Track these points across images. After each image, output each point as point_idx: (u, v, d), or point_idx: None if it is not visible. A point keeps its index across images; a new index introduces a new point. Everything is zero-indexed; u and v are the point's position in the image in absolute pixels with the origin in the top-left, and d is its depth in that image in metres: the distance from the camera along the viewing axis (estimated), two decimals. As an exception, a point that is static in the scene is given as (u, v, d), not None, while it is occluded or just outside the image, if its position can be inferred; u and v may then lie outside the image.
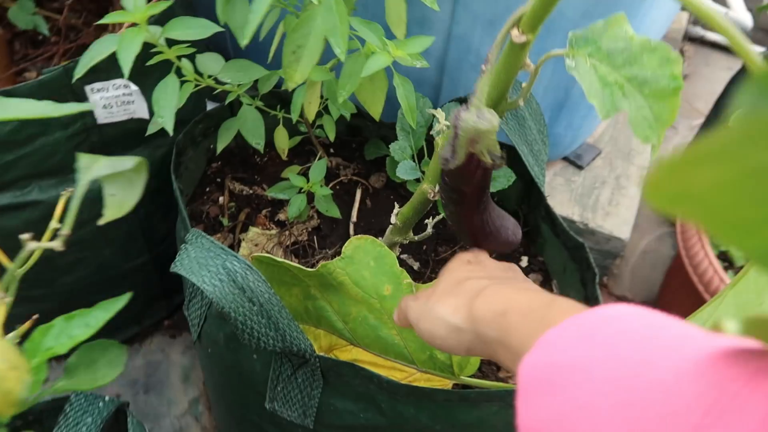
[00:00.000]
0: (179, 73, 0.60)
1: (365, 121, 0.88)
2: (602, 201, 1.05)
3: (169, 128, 0.57)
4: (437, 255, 0.80)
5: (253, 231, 0.76)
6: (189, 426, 0.94)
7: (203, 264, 0.51)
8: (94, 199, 0.86)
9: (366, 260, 0.57)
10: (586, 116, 0.97)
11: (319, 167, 0.74)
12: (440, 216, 0.57)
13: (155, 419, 0.94)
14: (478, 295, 0.38)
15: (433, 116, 0.76)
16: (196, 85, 0.63)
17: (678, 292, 1.01)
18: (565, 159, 1.11)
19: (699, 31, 1.85)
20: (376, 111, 0.62)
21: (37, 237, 0.79)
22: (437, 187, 0.52)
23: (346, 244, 0.57)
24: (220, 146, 0.71)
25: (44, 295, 0.85)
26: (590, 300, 0.66)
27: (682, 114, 1.62)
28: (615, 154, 1.14)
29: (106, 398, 0.62)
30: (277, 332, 0.53)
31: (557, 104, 0.93)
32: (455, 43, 0.86)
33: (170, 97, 0.57)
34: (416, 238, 0.62)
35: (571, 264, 0.73)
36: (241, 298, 0.51)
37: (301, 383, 0.61)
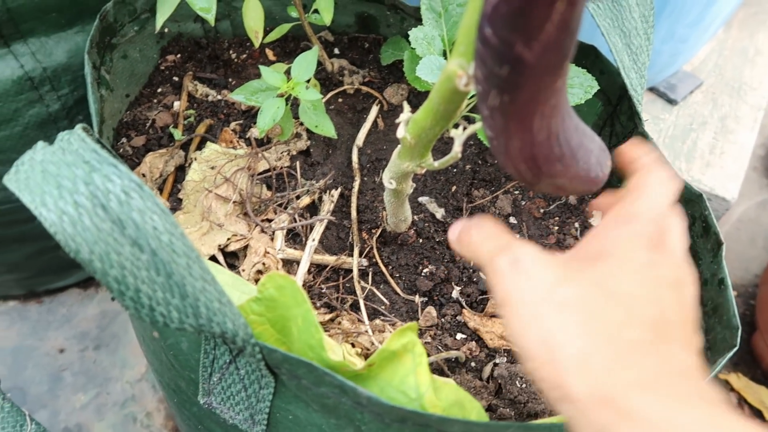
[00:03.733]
0: None
1: (382, 10, 0.63)
2: (701, 147, 0.78)
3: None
4: (471, 200, 0.57)
5: (211, 148, 0.54)
6: (143, 395, 0.75)
7: (52, 174, 0.29)
8: (4, 94, 0.65)
9: (293, 313, 0.36)
10: (697, 23, 0.69)
11: (305, 60, 0.51)
12: (476, 125, 0.34)
13: (103, 383, 0.76)
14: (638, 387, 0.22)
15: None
16: None
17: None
18: (653, 90, 0.84)
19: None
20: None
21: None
22: (473, 65, 0.28)
23: (262, 281, 0.35)
24: (160, 20, 0.48)
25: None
26: (708, 285, 0.42)
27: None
28: (720, 88, 0.86)
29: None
30: (184, 300, 0.31)
31: (657, 3, 0.66)
32: None
33: None
34: (437, 164, 0.39)
35: (672, 225, 0.48)
36: (116, 238, 0.29)
37: (246, 376, 0.40)
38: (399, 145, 0.40)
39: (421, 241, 0.53)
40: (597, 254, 0.26)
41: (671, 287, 0.25)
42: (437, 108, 0.34)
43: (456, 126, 0.39)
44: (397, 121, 0.37)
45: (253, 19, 0.52)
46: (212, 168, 0.53)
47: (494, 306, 0.49)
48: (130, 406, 0.74)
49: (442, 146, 0.59)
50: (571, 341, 0.23)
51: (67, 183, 0.29)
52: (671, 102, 0.82)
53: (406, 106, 0.37)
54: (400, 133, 0.38)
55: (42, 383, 0.75)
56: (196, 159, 0.53)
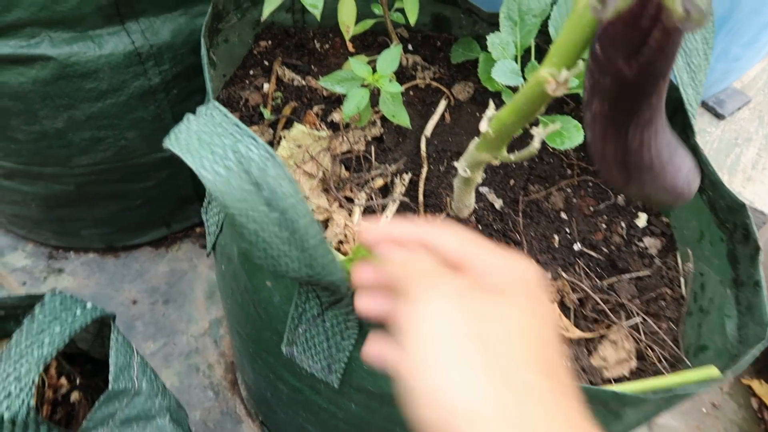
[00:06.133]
0: None
1: (457, 12, 0.68)
2: (744, 162, 0.82)
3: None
4: (527, 194, 0.62)
5: (299, 129, 0.60)
6: (206, 348, 0.82)
7: (206, 142, 0.36)
8: (116, 66, 0.72)
9: None
10: (752, 43, 0.73)
11: (390, 56, 0.57)
12: (552, 127, 0.39)
13: (170, 334, 0.83)
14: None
15: (552, 3, 0.56)
16: None
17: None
18: (702, 104, 0.88)
19: None
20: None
21: (49, 100, 0.67)
22: (564, 73, 0.33)
23: (356, 246, 0.42)
24: (267, 10, 0.54)
25: (58, 175, 0.74)
26: (744, 286, 0.47)
27: None
28: (768, 107, 0.89)
29: (88, 306, 0.49)
30: (303, 253, 0.37)
31: (717, 20, 0.70)
32: None
33: None
34: (512, 157, 0.44)
35: (714, 231, 0.53)
36: (255, 198, 0.35)
37: (330, 329, 0.47)
38: (477, 138, 0.46)
39: (480, 227, 0.59)
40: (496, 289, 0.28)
41: (552, 327, 0.28)
42: (521, 108, 0.39)
43: (535, 124, 0.44)
44: (483, 120, 0.43)
45: (347, 15, 0.58)
46: (299, 146, 0.59)
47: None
48: (193, 357, 0.82)
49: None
50: (470, 387, 0.24)
51: (218, 150, 0.35)
52: (719, 117, 0.86)
53: (491, 104, 0.43)
54: (483, 127, 0.43)
55: (116, 329, 0.83)
56: (284, 137, 0.60)
